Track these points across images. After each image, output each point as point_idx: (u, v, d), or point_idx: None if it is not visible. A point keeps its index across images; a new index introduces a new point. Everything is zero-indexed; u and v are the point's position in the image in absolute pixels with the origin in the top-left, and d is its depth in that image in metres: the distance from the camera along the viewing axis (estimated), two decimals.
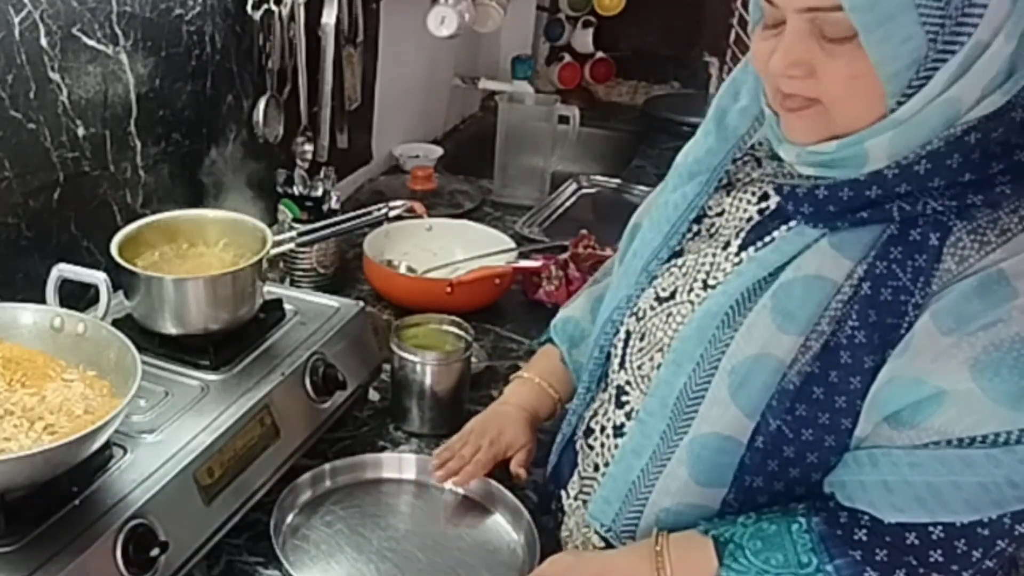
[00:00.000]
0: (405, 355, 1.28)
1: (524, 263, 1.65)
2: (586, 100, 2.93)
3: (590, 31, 2.99)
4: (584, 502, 1.03)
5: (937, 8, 0.74)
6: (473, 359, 1.37)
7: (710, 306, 0.88)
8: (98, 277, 1.09)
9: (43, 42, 1.19)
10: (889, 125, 0.79)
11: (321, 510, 1.13)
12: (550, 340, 1.22)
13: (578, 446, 1.07)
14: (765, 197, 0.93)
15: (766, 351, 0.83)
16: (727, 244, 0.93)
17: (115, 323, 1.10)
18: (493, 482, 1.17)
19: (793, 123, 0.85)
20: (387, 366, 1.33)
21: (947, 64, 0.75)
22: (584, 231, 1.75)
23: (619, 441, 0.97)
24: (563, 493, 1.08)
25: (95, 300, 1.09)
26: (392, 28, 2.06)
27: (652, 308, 0.97)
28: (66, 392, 0.95)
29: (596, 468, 1.02)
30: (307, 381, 1.17)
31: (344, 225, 1.33)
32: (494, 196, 2.12)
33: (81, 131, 1.28)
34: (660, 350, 0.94)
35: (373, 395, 1.36)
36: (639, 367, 0.97)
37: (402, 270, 1.66)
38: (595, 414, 1.04)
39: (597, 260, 1.68)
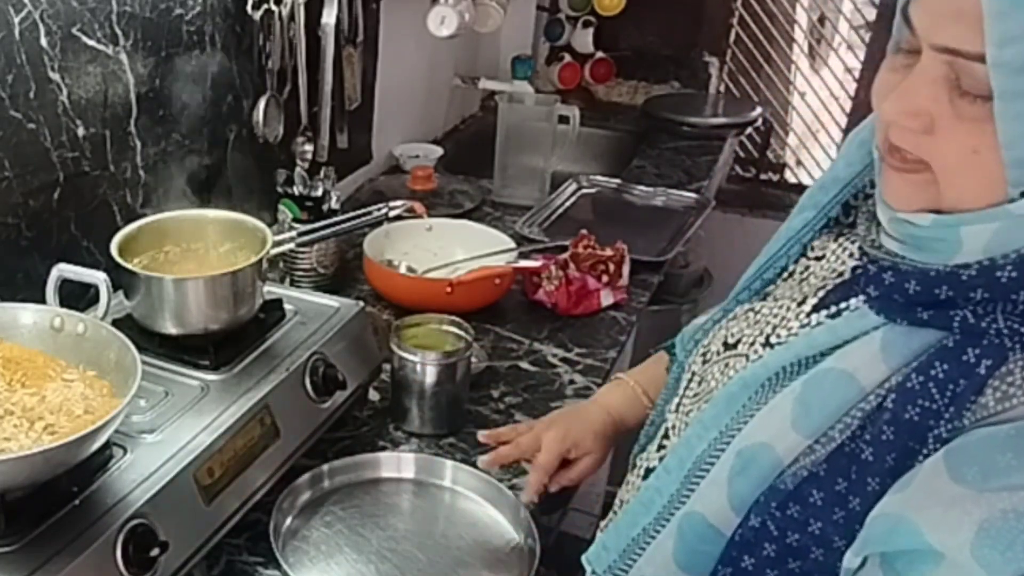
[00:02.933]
0: (405, 355, 1.28)
1: (524, 263, 1.65)
2: (586, 100, 2.93)
3: (590, 31, 2.98)
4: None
5: None
6: (473, 359, 1.37)
7: (749, 374, 0.80)
8: (98, 277, 1.09)
9: (43, 42, 1.19)
10: (999, 215, 0.65)
11: (321, 510, 1.13)
12: (660, 349, 1.16)
13: (624, 482, 1.02)
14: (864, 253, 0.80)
15: (772, 442, 0.75)
16: (804, 300, 0.83)
17: (115, 323, 1.10)
18: (493, 481, 1.17)
19: (894, 183, 0.72)
20: (387, 366, 1.33)
21: None
22: (584, 231, 1.75)
23: (643, 485, 0.91)
24: (602, 523, 1.03)
25: (95, 300, 1.09)
26: (392, 28, 2.06)
27: (718, 353, 0.89)
28: (66, 392, 0.94)
29: (622, 504, 0.97)
30: (307, 381, 1.17)
31: (344, 225, 1.33)
32: (494, 196, 2.12)
33: (81, 131, 1.28)
34: (706, 401, 0.87)
35: (373, 395, 1.36)
36: (687, 413, 0.90)
37: (402, 270, 1.66)
38: (642, 448, 0.99)
39: (597, 260, 1.68)
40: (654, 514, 0.84)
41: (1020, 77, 0.60)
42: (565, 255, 1.68)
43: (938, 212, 0.68)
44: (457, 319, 1.35)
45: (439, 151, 2.34)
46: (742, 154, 3.23)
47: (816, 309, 0.81)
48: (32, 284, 1.16)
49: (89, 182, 1.32)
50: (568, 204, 2.14)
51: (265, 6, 1.56)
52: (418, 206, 1.44)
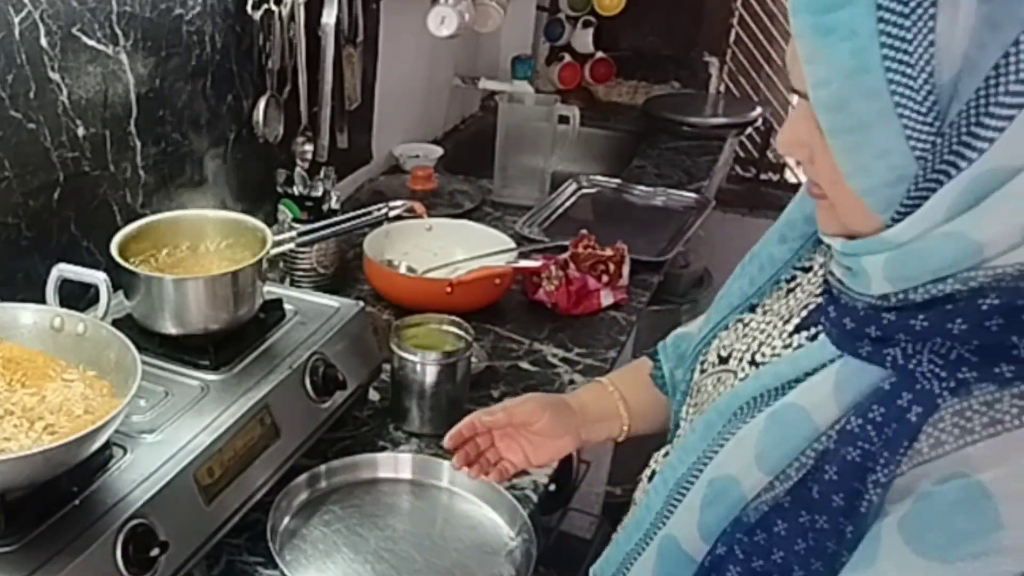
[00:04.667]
0: (405, 355, 1.28)
1: (524, 263, 1.65)
2: (586, 100, 2.93)
3: (590, 31, 2.99)
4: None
5: (925, 124, 0.62)
6: (473, 359, 1.37)
7: (723, 402, 0.81)
8: (98, 277, 1.09)
9: (43, 42, 1.19)
10: (883, 244, 0.67)
11: (319, 510, 1.13)
12: (648, 355, 1.14)
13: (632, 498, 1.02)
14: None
15: (738, 477, 0.76)
16: (789, 318, 0.83)
17: (115, 323, 1.10)
18: (492, 482, 1.17)
19: (817, 209, 0.75)
20: (387, 366, 1.33)
21: (943, 190, 0.63)
22: (584, 231, 1.75)
23: (640, 499, 0.93)
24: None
25: (95, 300, 1.09)
26: (392, 28, 2.06)
27: (713, 365, 0.89)
28: (66, 392, 0.95)
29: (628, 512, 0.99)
30: (307, 381, 1.17)
31: (344, 225, 1.33)
32: (494, 196, 2.12)
33: (81, 131, 1.28)
34: (699, 413, 0.88)
35: (373, 395, 1.36)
36: (691, 423, 0.91)
37: (402, 270, 1.66)
38: (652, 458, 0.99)
39: (597, 260, 1.68)
40: (643, 530, 0.86)
41: (840, 115, 0.64)
42: (565, 255, 1.68)
43: (851, 237, 0.71)
44: (457, 319, 1.35)
45: (439, 151, 2.34)
46: (742, 154, 3.23)
47: (798, 329, 0.82)
48: (32, 284, 1.17)
49: (89, 182, 1.32)
50: (568, 204, 2.14)
51: (265, 6, 1.56)
52: (418, 206, 1.44)
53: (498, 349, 1.53)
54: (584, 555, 1.62)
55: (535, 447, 1.08)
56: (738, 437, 0.77)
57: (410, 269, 1.67)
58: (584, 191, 2.21)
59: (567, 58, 3.01)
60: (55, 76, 1.22)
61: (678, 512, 0.82)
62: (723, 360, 0.89)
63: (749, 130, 2.89)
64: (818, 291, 0.83)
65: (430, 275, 1.64)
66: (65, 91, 1.24)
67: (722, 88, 3.18)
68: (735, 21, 3.14)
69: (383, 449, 1.27)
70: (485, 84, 2.54)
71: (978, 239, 0.63)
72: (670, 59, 3.11)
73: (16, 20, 1.14)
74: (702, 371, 0.92)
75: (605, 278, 1.66)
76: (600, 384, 1.14)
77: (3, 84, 1.14)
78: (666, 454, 0.96)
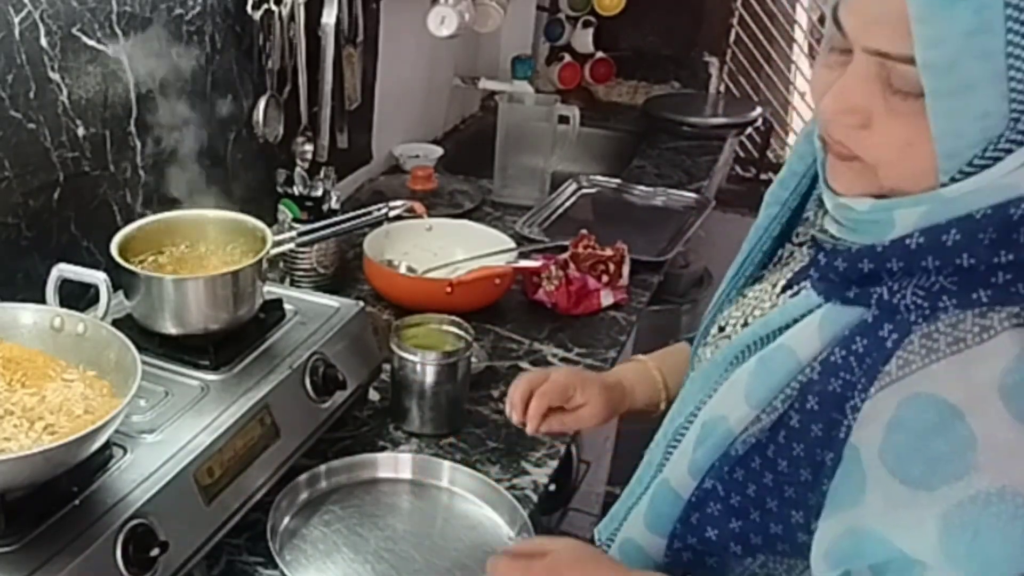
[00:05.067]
0: (405, 355, 1.28)
1: (524, 263, 1.65)
2: (586, 100, 2.93)
3: (590, 31, 2.98)
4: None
5: None
6: (473, 359, 1.37)
7: (720, 353, 0.86)
8: (98, 277, 1.09)
9: (43, 42, 1.19)
10: (931, 200, 0.69)
11: (320, 510, 1.14)
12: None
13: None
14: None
15: (727, 414, 0.80)
16: (778, 282, 0.88)
17: (115, 323, 1.10)
18: (491, 481, 1.17)
19: (838, 169, 0.75)
20: (387, 366, 1.33)
21: (1022, 149, 0.65)
22: (584, 231, 1.75)
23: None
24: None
25: (95, 300, 1.09)
26: (392, 28, 2.06)
27: (713, 337, 0.94)
28: (66, 392, 0.95)
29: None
30: (307, 381, 1.17)
31: (344, 225, 1.33)
32: (494, 196, 2.12)
33: (81, 131, 1.28)
34: (700, 370, 0.92)
35: (373, 395, 1.36)
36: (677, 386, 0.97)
37: (402, 270, 1.66)
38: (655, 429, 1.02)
39: (597, 260, 1.68)
40: (644, 484, 0.91)
41: (948, 76, 0.63)
42: (565, 255, 1.68)
43: (877, 196, 0.72)
44: (457, 319, 1.35)
45: (439, 151, 2.34)
46: (742, 154, 3.23)
47: (784, 290, 0.86)
48: (32, 284, 1.17)
49: (89, 182, 1.32)
50: (568, 204, 2.14)
51: (265, 6, 1.56)
52: (418, 206, 1.45)
53: (498, 349, 1.53)
54: None
55: (576, 420, 1.10)
56: (730, 381, 0.82)
57: (410, 269, 1.67)
58: (584, 191, 2.21)
59: (567, 58, 3.01)
60: (55, 76, 1.22)
61: (673, 457, 0.87)
62: (722, 329, 0.93)
63: (749, 130, 2.89)
64: (809, 257, 0.86)
65: (430, 275, 1.64)
66: (65, 91, 1.24)
67: (722, 88, 3.18)
68: (735, 21, 3.14)
69: (383, 449, 1.27)
70: (485, 84, 2.54)
71: (1019, 187, 0.66)
72: (670, 59, 3.11)
73: (16, 20, 1.14)
74: (704, 344, 0.95)
75: (605, 278, 1.66)
76: (641, 361, 1.15)
77: (3, 84, 1.14)
78: None
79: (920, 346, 0.69)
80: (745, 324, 0.88)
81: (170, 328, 1.14)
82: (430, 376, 1.28)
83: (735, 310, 0.92)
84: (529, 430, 1.07)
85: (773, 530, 0.79)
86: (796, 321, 0.78)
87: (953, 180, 0.68)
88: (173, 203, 1.41)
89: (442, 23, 2.08)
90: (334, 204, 1.66)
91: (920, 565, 0.66)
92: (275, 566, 1.05)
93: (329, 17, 1.71)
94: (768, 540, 0.80)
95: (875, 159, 0.71)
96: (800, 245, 0.90)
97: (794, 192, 0.89)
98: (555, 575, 0.88)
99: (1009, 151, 0.65)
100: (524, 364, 1.50)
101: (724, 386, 0.82)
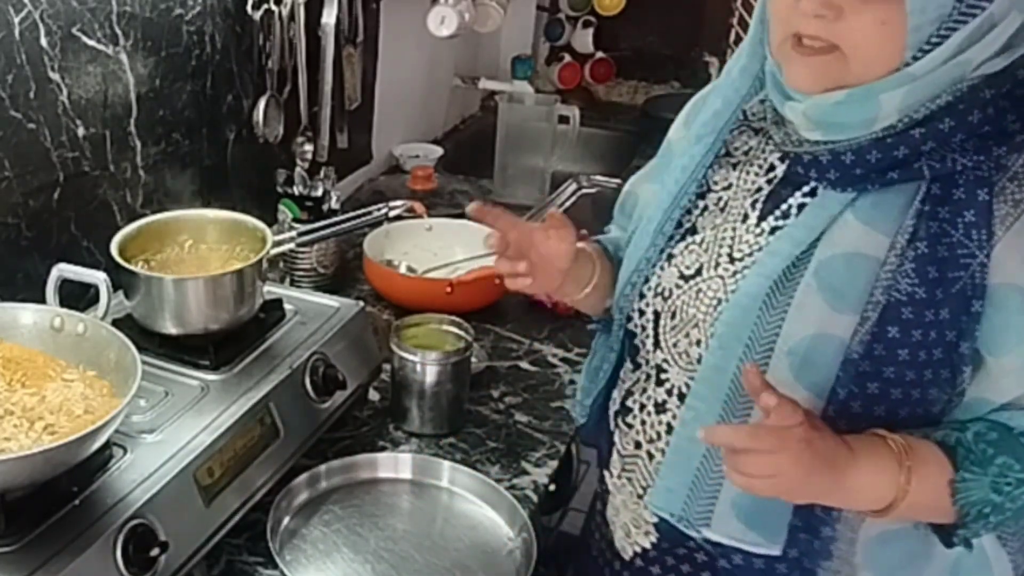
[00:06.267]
0: (405, 355, 1.28)
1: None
2: (586, 100, 2.92)
3: (590, 31, 2.98)
4: (629, 479, 1.02)
5: None
6: (473, 359, 1.37)
7: (748, 288, 0.88)
8: (98, 277, 1.09)
9: (43, 42, 1.19)
10: (904, 79, 0.80)
11: (320, 510, 1.14)
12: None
13: (613, 425, 1.06)
14: (772, 168, 0.94)
15: (824, 331, 0.84)
16: (745, 216, 0.94)
17: (115, 323, 1.10)
18: (491, 481, 1.17)
19: (800, 69, 0.84)
20: (387, 366, 1.33)
21: (964, 27, 0.78)
22: (584, 231, 1.75)
23: (662, 418, 0.98)
24: (605, 473, 1.08)
25: (95, 300, 1.09)
26: (392, 28, 2.06)
27: (678, 287, 0.96)
28: (66, 392, 0.95)
29: (638, 446, 1.01)
30: (307, 381, 1.17)
31: (344, 225, 1.33)
32: (494, 196, 2.12)
33: (81, 131, 1.28)
34: (695, 326, 0.94)
35: (373, 395, 1.36)
36: (674, 345, 0.96)
37: (402, 270, 1.66)
38: (630, 393, 1.03)
39: None
40: (703, 447, 0.89)
41: None
42: None
43: (843, 89, 0.82)
44: (457, 319, 1.35)
45: (439, 151, 2.34)
46: None
47: (762, 218, 0.92)
48: (32, 284, 1.17)
49: (89, 182, 1.32)
50: (568, 204, 2.14)
51: (265, 6, 1.56)
52: (418, 206, 1.45)
53: (498, 349, 1.53)
54: None
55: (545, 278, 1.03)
56: (796, 305, 0.86)
57: (410, 269, 1.67)
58: (584, 191, 2.21)
59: (567, 58, 3.01)
60: (55, 76, 1.22)
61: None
62: (690, 277, 0.95)
63: None
64: (753, 189, 0.94)
65: (430, 275, 1.64)
66: (65, 91, 1.24)
67: None
68: (735, 21, 3.13)
69: (383, 449, 1.27)
70: (485, 84, 2.54)
71: (971, 63, 0.80)
72: (670, 59, 3.11)
73: (16, 20, 1.14)
74: (665, 297, 0.97)
75: None
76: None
77: (3, 84, 1.14)
78: (661, 383, 0.98)
79: (1018, 186, 0.81)
80: (731, 259, 0.92)
81: (170, 328, 1.14)
82: (430, 376, 1.28)
83: (698, 257, 0.95)
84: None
85: (915, 396, 0.84)
86: (823, 232, 0.85)
87: (914, 59, 0.80)
88: (173, 203, 1.41)
89: (442, 23, 2.08)
90: (334, 204, 1.66)
91: None
92: (275, 566, 1.05)
93: (329, 17, 1.71)
94: (913, 410, 0.85)
95: (851, 43, 0.80)
96: (727, 189, 0.96)
97: (728, 122, 0.96)
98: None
99: (954, 29, 0.78)
100: (524, 364, 1.50)
101: (792, 312, 0.85)
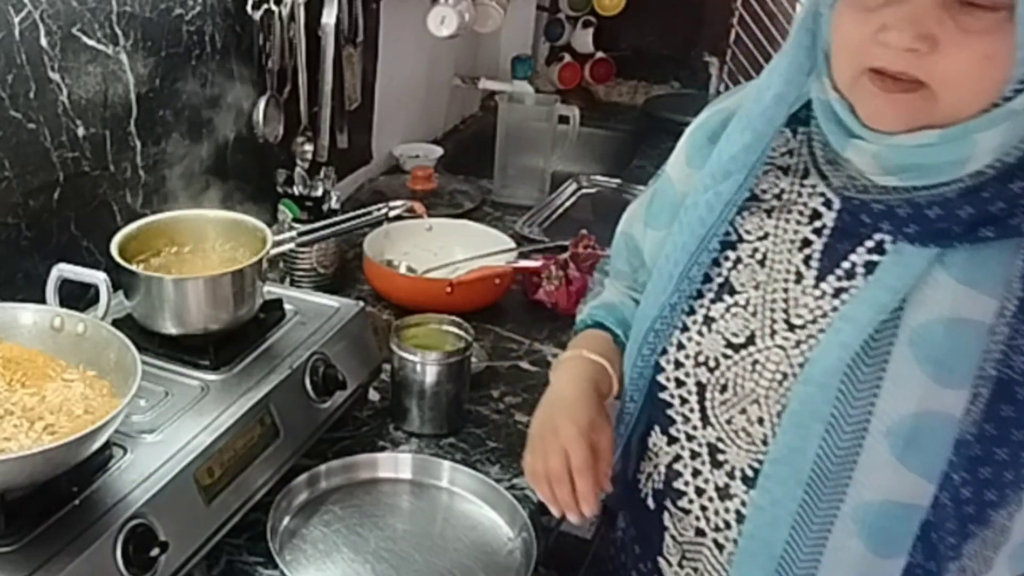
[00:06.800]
0: (405, 355, 1.28)
1: (524, 263, 1.65)
2: (586, 100, 2.92)
3: (590, 31, 2.98)
4: (695, 569, 0.94)
5: None
6: (473, 359, 1.37)
7: (823, 360, 0.79)
8: (98, 277, 1.09)
9: (43, 42, 1.19)
10: (1003, 116, 0.71)
11: (320, 510, 1.13)
12: (590, 326, 1.05)
13: (652, 503, 0.97)
14: (816, 216, 0.85)
15: (929, 408, 0.76)
16: (798, 275, 0.84)
17: (115, 323, 1.10)
18: (491, 481, 1.17)
19: (883, 107, 0.74)
20: (387, 366, 1.33)
21: None
22: (584, 231, 1.75)
23: (728, 505, 0.89)
24: (660, 560, 0.98)
25: (95, 300, 1.09)
26: (392, 28, 2.06)
27: (726, 356, 0.87)
28: (66, 392, 0.95)
29: (700, 533, 0.93)
30: (307, 381, 1.17)
31: (344, 225, 1.33)
32: (494, 196, 2.12)
33: (81, 131, 1.28)
34: (755, 402, 0.85)
35: (373, 395, 1.36)
36: (728, 422, 0.88)
37: (402, 270, 1.66)
38: (677, 474, 0.93)
39: (597, 260, 1.67)
40: (788, 527, 0.82)
41: None
42: (565, 255, 1.68)
43: (930, 129, 0.73)
44: (457, 319, 1.35)
45: (439, 151, 2.34)
46: None
47: (821, 277, 0.83)
48: (32, 284, 1.17)
49: (89, 182, 1.32)
50: (568, 204, 2.15)
51: (265, 6, 1.56)
52: (418, 206, 1.45)
53: (498, 349, 1.53)
54: (584, 555, 1.61)
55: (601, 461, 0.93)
56: (891, 379, 0.77)
57: (410, 269, 1.67)
58: (584, 191, 2.21)
59: (567, 58, 3.01)
60: (55, 76, 1.22)
61: (861, 480, 0.79)
62: (741, 345, 0.86)
63: None
64: (798, 242, 0.84)
65: (430, 275, 1.64)
66: (65, 91, 1.24)
67: (722, 88, 3.17)
68: (735, 21, 3.13)
69: (383, 449, 1.27)
70: (485, 84, 2.54)
71: None
72: (670, 59, 3.11)
73: (16, 20, 1.14)
74: (711, 367, 0.88)
75: None
76: (580, 358, 1.00)
77: (3, 84, 1.14)
78: (718, 465, 0.89)
79: None
80: (791, 327, 0.83)
81: (170, 328, 1.14)
82: (430, 376, 1.28)
83: (747, 322, 0.86)
84: (588, 513, 0.89)
85: None
86: (910, 293, 0.76)
87: (1016, 93, 0.70)
88: (173, 203, 1.41)
89: (442, 23, 2.08)
90: (334, 204, 1.66)
91: None
92: (275, 566, 1.05)
93: (329, 17, 1.71)
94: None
95: (945, 79, 0.71)
96: (762, 239, 0.86)
97: (760, 158, 0.85)
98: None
99: None
100: (524, 364, 1.50)
101: (886, 388, 0.77)
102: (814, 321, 0.83)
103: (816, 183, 0.85)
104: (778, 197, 0.88)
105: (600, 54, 3.04)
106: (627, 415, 0.98)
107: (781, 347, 0.84)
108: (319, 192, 1.65)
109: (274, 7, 1.58)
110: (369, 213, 1.35)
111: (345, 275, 1.71)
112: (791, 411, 0.81)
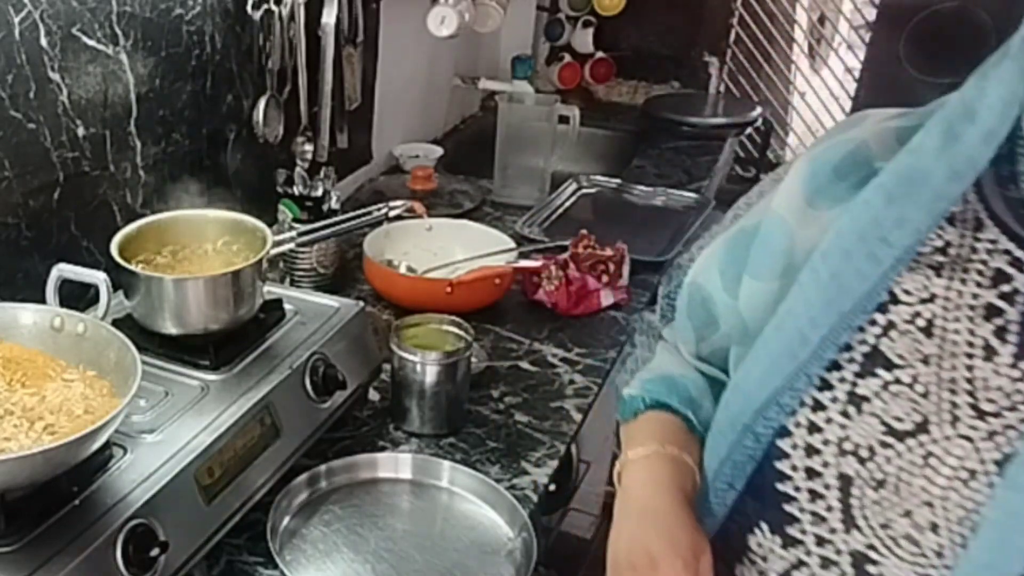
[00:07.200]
0: (405, 355, 1.28)
1: (524, 263, 1.65)
2: (586, 100, 2.93)
3: (590, 31, 2.99)
4: None
5: None
6: (473, 359, 1.37)
7: None
8: (98, 277, 1.09)
9: (43, 42, 1.19)
10: None
11: (320, 510, 1.14)
12: (649, 407, 0.92)
13: None
14: (1004, 278, 0.70)
15: None
16: (988, 351, 0.70)
17: (115, 323, 1.10)
18: (491, 481, 1.17)
19: None
20: (387, 366, 1.33)
21: None
22: (584, 231, 1.75)
23: None
24: None
25: (95, 300, 1.09)
26: (392, 28, 2.06)
27: (886, 445, 0.73)
28: (66, 392, 0.95)
29: None
30: (307, 381, 1.17)
31: (344, 225, 1.33)
32: (494, 196, 2.12)
33: (81, 131, 1.28)
34: (926, 504, 0.71)
35: (373, 395, 1.36)
36: (883, 526, 0.73)
37: (402, 270, 1.66)
38: None
39: (597, 260, 1.68)
40: None
41: None
42: (565, 255, 1.68)
43: None
44: (457, 319, 1.35)
45: (439, 151, 2.34)
46: (742, 154, 3.23)
47: (1021, 355, 0.69)
48: (32, 284, 1.17)
49: (89, 182, 1.32)
50: (568, 204, 2.14)
51: (265, 6, 1.56)
52: (418, 206, 1.45)
53: (498, 349, 1.53)
54: (584, 555, 1.62)
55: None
56: None
57: (410, 269, 1.67)
58: (584, 191, 2.21)
59: (567, 58, 3.01)
60: (55, 76, 1.22)
61: None
62: (907, 433, 0.72)
63: (749, 130, 2.89)
64: (983, 310, 0.71)
65: (430, 275, 1.64)
66: (65, 91, 1.24)
67: (722, 88, 3.18)
68: (735, 21, 3.14)
69: (383, 449, 1.27)
70: (485, 84, 2.54)
71: None
72: (670, 59, 3.11)
73: (16, 20, 1.14)
74: (861, 459, 0.74)
75: (605, 278, 1.66)
76: (660, 454, 0.88)
77: (3, 84, 1.14)
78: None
79: None
80: (980, 414, 0.70)
81: (170, 328, 1.14)
82: (430, 376, 1.28)
83: (915, 405, 0.72)
84: None
85: None
86: None
87: None
88: (173, 203, 1.41)
89: (442, 23, 2.08)
90: (334, 204, 1.66)
91: None
92: (275, 566, 1.05)
93: (329, 17, 1.71)
94: None
95: None
96: (926, 302, 0.72)
97: (954, 202, 0.70)
98: None
99: None
100: (524, 364, 1.50)
101: None
102: (1013, 408, 0.69)
103: (996, 238, 0.71)
104: (943, 252, 0.73)
105: (600, 54, 3.04)
106: (716, 506, 0.83)
107: (967, 438, 0.70)
108: (319, 192, 1.65)
109: (274, 7, 1.58)
110: (369, 213, 1.34)
111: (345, 275, 1.71)
112: (991, 522, 0.67)
